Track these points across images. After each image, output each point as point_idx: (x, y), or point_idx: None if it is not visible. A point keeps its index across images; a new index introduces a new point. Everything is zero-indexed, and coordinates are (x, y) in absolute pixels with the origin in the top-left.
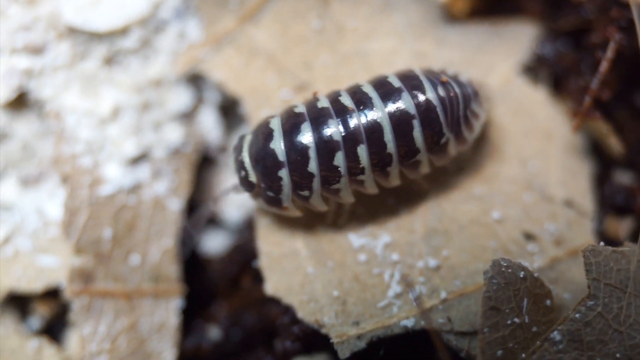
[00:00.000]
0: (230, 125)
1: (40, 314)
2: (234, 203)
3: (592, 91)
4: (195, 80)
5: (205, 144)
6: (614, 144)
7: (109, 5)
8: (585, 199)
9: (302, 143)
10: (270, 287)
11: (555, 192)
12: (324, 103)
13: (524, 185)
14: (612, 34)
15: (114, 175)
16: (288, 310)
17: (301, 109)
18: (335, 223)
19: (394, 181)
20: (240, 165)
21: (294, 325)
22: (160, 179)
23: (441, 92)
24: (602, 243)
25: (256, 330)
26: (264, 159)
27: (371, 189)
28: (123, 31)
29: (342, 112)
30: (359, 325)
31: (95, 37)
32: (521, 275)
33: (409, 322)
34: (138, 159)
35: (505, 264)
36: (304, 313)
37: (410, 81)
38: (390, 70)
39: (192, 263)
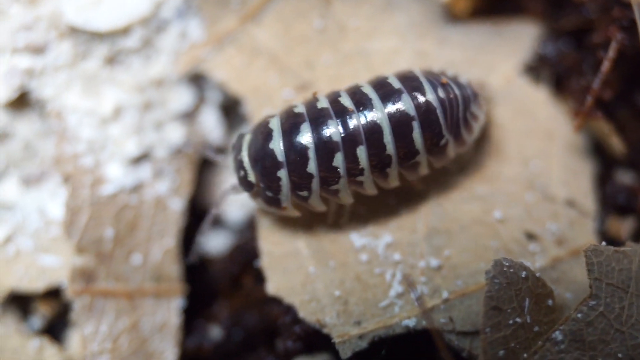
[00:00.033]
0: (232, 125)
1: (41, 314)
2: (236, 203)
3: (593, 91)
4: (197, 79)
5: (207, 143)
6: (616, 143)
7: (110, 4)
8: (587, 198)
9: (301, 143)
10: (272, 286)
11: (557, 191)
12: (323, 103)
13: (526, 185)
14: (614, 33)
15: (116, 174)
16: (289, 310)
17: (301, 109)
18: (336, 223)
19: (393, 182)
20: (239, 165)
21: (296, 325)
22: (161, 179)
23: (441, 93)
24: (603, 243)
25: (258, 330)
26: (263, 159)
27: (370, 190)
28: (124, 31)
29: (341, 113)
30: (361, 325)
31: (97, 36)
32: (523, 275)
33: (411, 322)
34: (140, 159)
35: (507, 264)
36: (305, 313)
37: (410, 82)
38: (392, 69)
39: (194, 263)
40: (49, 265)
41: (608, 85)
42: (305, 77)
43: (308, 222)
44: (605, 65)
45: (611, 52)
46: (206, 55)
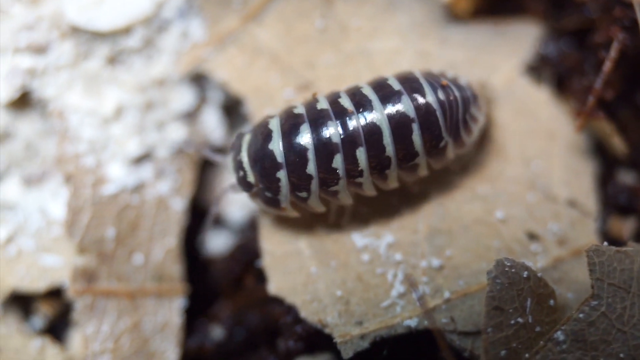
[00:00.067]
0: (234, 125)
1: (43, 314)
2: (237, 203)
3: (595, 91)
4: (199, 79)
5: (209, 143)
6: (618, 143)
7: (112, 4)
8: (589, 198)
9: (300, 144)
10: (274, 286)
11: (559, 192)
12: (323, 104)
13: (528, 185)
14: (616, 33)
15: (117, 174)
16: (291, 309)
17: (300, 110)
18: (337, 223)
19: (392, 184)
20: (239, 165)
21: (297, 325)
22: (163, 179)
23: (441, 95)
24: (605, 243)
25: (259, 329)
26: (262, 160)
27: (369, 191)
28: (126, 31)
29: (341, 114)
30: (362, 325)
31: (99, 36)
32: (525, 275)
33: (413, 322)
34: (141, 159)
35: (508, 264)
36: (307, 313)
37: (410, 84)
38: (393, 69)
39: (195, 263)
40: (51, 265)
41: (610, 85)
42: (306, 77)
43: (310, 222)
44: (607, 65)
45: (613, 52)
46: (207, 55)
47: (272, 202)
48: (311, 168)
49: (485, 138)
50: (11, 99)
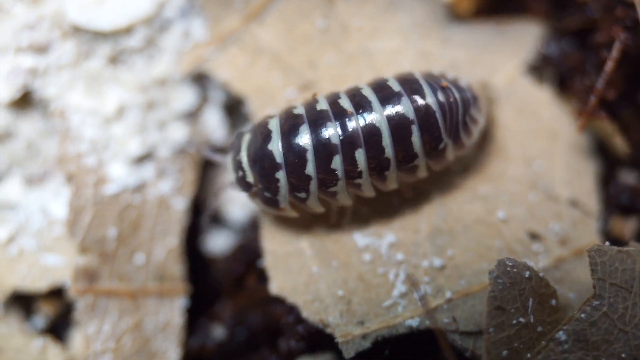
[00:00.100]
0: (235, 125)
1: (44, 313)
2: (238, 202)
3: (597, 91)
4: (200, 79)
5: (210, 143)
6: (619, 143)
7: (113, 4)
8: (591, 198)
9: (299, 145)
10: (275, 286)
11: (560, 191)
12: (323, 105)
13: (529, 185)
14: (617, 33)
15: (119, 174)
16: (293, 309)
17: (300, 110)
18: (339, 223)
19: (392, 185)
20: (238, 165)
21: (299, 325)
22: (165, 178)
23: (441, 97)
24: (607, 243)
25: (261, 329)
26: (261, 160)
27: (368, 192)
28: (128, 30)
29: (340, 115)
30: (364, 324)
31: (100, 36)
32: (526, 275)
33: (414, 322)
34: (143, 158)
35: (510, 264)
36: (308, 312)
37: (410, 85)
38: (395, 69)
39: (197, 262)
40: (52, 265)
41: (611, 85)
42: (308, 77)
43: (311, 222)
44: (609, 65)
45: (615, 52)
46: (209, 55)
47: (271, 202)
48: (310, 169)
49: (486, 138)
50: (13, 99)
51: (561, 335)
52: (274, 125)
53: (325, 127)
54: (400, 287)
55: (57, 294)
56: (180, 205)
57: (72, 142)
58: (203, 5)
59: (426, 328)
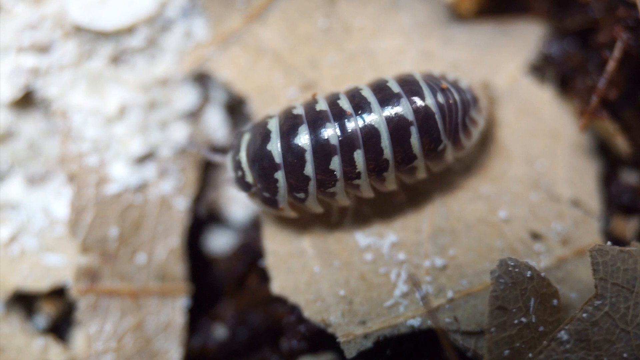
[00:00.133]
0: (237, 124)
1: (46, 313)
2: (240, 202)
3: (599, 91)
4: (202, 79)
5: (212, 142)
6: (621, 143)
7: (115, 4)
8: (592, 198)
9: (298, 146)
10: (277, 286)
11: (562, 191)
12: (322, 106)
13: (531, 185)
14: (619, 33)
15: (120, 174)
16: (294, 309)
17: (299, 110)
18: (340, 223)
19: (390, 186)
20: (237, 165)
21: (300, 325)
22: (166, 178)
23: (440, 98)
24: (609, 243)
25: (262, 329)
26: (260, 160)
27: (367, 193)
28: (129, 30)
29: (339, 116)
30: (366, 324)
31: (102, 36)
32: (528, 275)
33: (416, 322)
34: (144, 158)
35: (512, 264)
36: (310, 312)
37: (410, 86)
38: (397, 69)
39: (198, 262)
40: (54, 265)
41: (613, 85)
42: (310, 77)
43: (313, 222)
44: (611, 65)
45: (616, 52)
46: (211, 55)
47: (270, 202)
48: (309, 169)
49: (488, 138)
50: (14, 99)
51: (563, 335)
52: (273, 126)
53: (324, 127)
54: (401, 287)
55: (58, 293)
56: (182, 205)
57: (74, 141)
58: (205, 5)
59: (428, 328)
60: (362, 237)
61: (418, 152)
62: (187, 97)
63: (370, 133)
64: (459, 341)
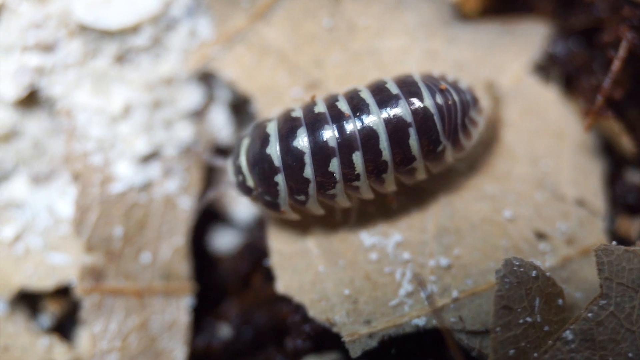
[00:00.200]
0: (241, 124)
1: (50, 312)
2: (244, 201)
3: (604, 90)
4: (206, 78)
5: (216, 142)
6: (626, 143)
7: (120, 3)
8: (597, 198)
9: (297, 149)
10: (281, 285)
11: (567, 191)
12: (320, 108)
13: (536, 184)
14: (624, 33)
15: (125, 173)
16: (299, 308)
17: (298, 113)
18: (345, 222)
19: (390, 187)
20: (238, 170)
21: (305, 324)
22: (171, 177)
23: (439, 99)
24: (614, 242)
25: (267, 328)
26: (260, 164)
27: (367, 194)
28: (134, 29)
29: (338, 118)
30: (371, 324)
31: (106, 35)
32: (533, 275)
33: (421, 321)
34: (149, 157)
35: (517, 263)
36: (315, 312)
37: (408, 88)
38: (401, 69)
39: (203, 261)
40: (58, 264)
41: (618, 85)
42: (314, 76)
43: (317, 221)
44: (616, 65)
45: (621, 51)
46: (216, 54)
47: (271, 205)
48: (308, 172)
49: (493, 137)
50: (19, 98)
51: (568, 334)
52: (272, 129)
53: (322, 130)
54: (406, 287)
55: (63, 292)
56: (187, 204)
57: (79, 140)
58: (209, 4)
59: (433, 327)
60: (367, 237)
61: (417, 153)
62: (191, 96)
63: (369, 135)
64: (464, 341)
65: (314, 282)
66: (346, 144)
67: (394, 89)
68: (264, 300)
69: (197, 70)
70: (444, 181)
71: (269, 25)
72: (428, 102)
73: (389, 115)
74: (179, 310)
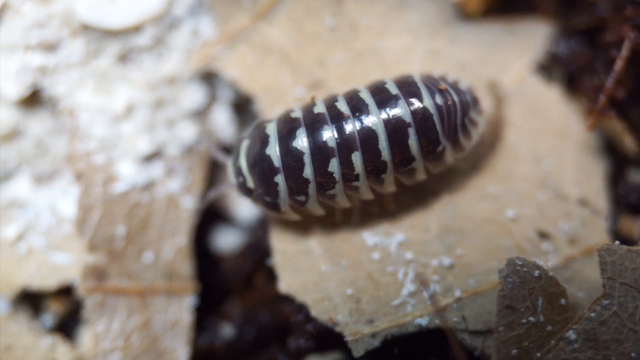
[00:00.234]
0: (244, 123)
1: (53, 311)
2: (247, 201)
3: (606, 90)
4: (209, 77)
5: (219, 141)
6: (629, 142)
7: (122, 2)
8: (600, 197)
9: (297, 149)
10: (284, 285)
11: (570, 190)
12: (320, 108)
13: (538, 184)
14: (627, 32)
15: (128, 172)
16: (302, 308)
17: (297, 113)
18: (348, 222)
19: (389, 187)
20: (238, 171)
21: (308, 324)
22: (173, 177)
23: (439, 100)
24: (616, 242)
25: (270, 328)
26: (260, 165)
27: (366, 195)
28: (137, 28)
29: (337, 118)
30: (373, 323)
31: (109, 34)
32: (536, 274)
33: (423, 321)
34: (151, 157)
35: (520, 263)
36: (317, 311)
37: (408, 88)
38: (404, 68)
39: (206, 261)
40: (61, 263)
41: (621, 84)
42: (317, 76)
43: (320, 221)
44: (619, 64)
45: (624, 51)
46: (218, 54)
47: (272, 206)
48: (308, 172)
49: (495, 137)
50: (22, 97)
51: (571, 334)
52: (272, 130)
53: (321, 130)
54: (409, 286)
55: (65, 292)
56: (189, 203)
57: (81, 140)
58: (212, 3)
59: (435, 327)
60: (370, 236)
61: (416, 153)
62: (194, 95)
63: (368, 135)
64: (466, 340)
65: (316, 282)
66: (345, 144)
67: (394, 89)
68: (266, 300)
69: (199, 69)
70: (447, 181)
71: (272, 25)
72: (427, 103)
73: (388, 115)
74: (181, 310)
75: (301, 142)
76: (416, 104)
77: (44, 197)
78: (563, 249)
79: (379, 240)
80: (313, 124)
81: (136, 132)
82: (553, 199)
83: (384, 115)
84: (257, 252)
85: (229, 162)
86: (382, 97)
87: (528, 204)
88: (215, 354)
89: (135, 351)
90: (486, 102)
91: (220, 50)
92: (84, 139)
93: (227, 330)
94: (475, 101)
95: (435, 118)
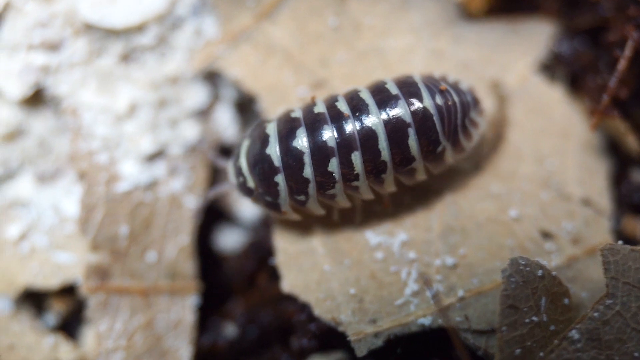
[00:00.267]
0: (247, 123)
1: (56, 311)
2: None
3: (609, 89)
4: (212, 77)
5: (222, 141)
6: (632, 142)
7: (125, 2)
8: (603, 197)
9: (297, 149)
10: (287, 284)
11: (573, 190)
12: (320, 108)
13: (541, 184)
14: (630, 32)
15: (131, 172)
16: (304, 307)
17: (297, 113)
18: (350, 222)
19: (389, 187)
20: (238, 172)
21: (311, 323)
22: (176, 176)
23: (439, 100)
24: (619, 242)
25: (272, 327)
26: (260, 165)
27: (366, 195)
28: (140, 28)
29: (337, 118)
30: (376, 323)
31: (112, 33)
32: (539, 274)
33: (426, 320)
34: (154, 156)
35: (523, 262)
36: (320, 311)
37: (408, 88)
38: (407, 68)
39: (208, 260)
40: (64, 262)
41: (624, 84)
42: (320, 75)
43: (322, 221)
44: (622, 64)
45: (627, 51)
46: (221, 53)
47: (272, 206)
48: (308, 172)
49: (498, 137)
50: (25, 96)
51: (574, 334)
52: (272, 130)
53: (321, 130)
54: (412, 286)
55: (68, 291)
56: (192, 203)
57: (84, 139)
58: (215, 3)
59: (438, 326)
60: (373, 236)
61: (416, 153)
62: (197, 95)
63: (368, 135)
64: (469, 340)
65: (319, 281)
66: (345, 143)
67: (394, 90)
68: (269, 299)
69: (202, 69)
70: (449, 180)
71: (275, 25)
72: (427, 103)
73: (388, 115)
74: (184, 309)
75: (301, 141)
76: (416, 104)
77: (47, 196)
78: (566, 248)
79: (382, 239)
80: (313, 123)
81: (139, 131)
82: (556, 198)
83: (384, 115)
84: (260, 251)
85: (229, 162)
86: (382, 97)
87: (531, 203)
88: (218, 354)
89: (138, 350)
90: (489, 102)
91: (223, 50)
92: (87, 139)
93: (229, 330)
94: (475, 101)
95: (436, 118)
